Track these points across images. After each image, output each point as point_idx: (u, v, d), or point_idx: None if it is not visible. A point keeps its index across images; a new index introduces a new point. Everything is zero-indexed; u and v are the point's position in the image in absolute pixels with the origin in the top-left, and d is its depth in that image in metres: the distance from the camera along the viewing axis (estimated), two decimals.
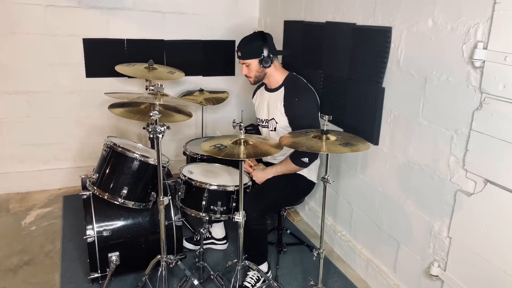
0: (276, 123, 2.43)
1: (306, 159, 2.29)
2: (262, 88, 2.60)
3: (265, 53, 2.32)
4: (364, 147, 1.87)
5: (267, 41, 2.34)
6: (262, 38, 2.35)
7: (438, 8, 1.81)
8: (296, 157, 2.31)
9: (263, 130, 2.57)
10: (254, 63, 2.35)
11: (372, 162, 2.35)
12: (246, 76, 2.43)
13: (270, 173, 2.40)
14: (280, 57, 2.60)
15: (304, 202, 3.05)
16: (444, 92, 1.82)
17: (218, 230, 2.68)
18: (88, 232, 2.13)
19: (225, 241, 2.70)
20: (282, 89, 2.42)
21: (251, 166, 2.49)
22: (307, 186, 2.48)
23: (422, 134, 1.98)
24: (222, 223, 2.68)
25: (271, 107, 2.46)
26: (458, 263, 1.85)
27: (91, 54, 3.27)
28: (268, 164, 2.54)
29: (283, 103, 2.37)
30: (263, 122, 2.54)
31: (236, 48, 2.40)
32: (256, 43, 2.34)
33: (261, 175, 2.41)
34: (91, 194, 2.22)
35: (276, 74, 2.43)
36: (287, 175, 2.39)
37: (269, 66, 2.36)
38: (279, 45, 3.03)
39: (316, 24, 2.72)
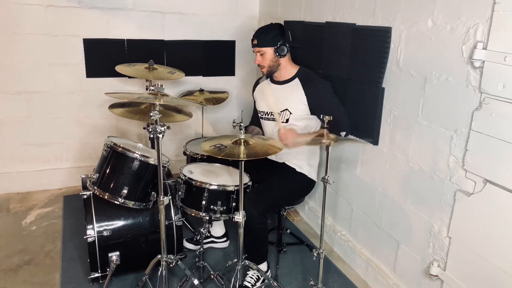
0: (290, 113, 2.39)
1: (343, 134, 2.27)
2: (266, 81, 2.57)
3: (282, 42, 2.36)
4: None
5: (284, 32, 2.39)
6: (280, 29, 2.40)
7: (437, 8, 1.81)
8: (336, 131, 2.13)
9: (266, 123, 2.53)
10: (269, 51, 2.37)
11: (372, 162, 2.36)
12: (259, 65, 2.43)
13: (303, 141, 2.25)
14: None
15: (304, 202, 3.05)
16: (443, 92, 1.82)
17: (217, 229, 2.69)
18: (88, 232, 2.14)
19: (225, 239, 2.70)
20: (297, 80, 2.41)
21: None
22: (308, 185, 2.49)
23: (421, 134, 1.98)
24: (222, 220, 2.68)
25: (283, 99, 2.43)
26: (458, 262, 1.85)
27: (91, 54, 3.27)
28: None
29: (304, 92, 2.35)
30: (267, 115, 2.51)
31: (252, 37, 2.41)
32: (273, 32, 2.37)
33: (294, 138, 2.24)
34: (91, 194, 2.22)
35: (289, 66, 2.45)
36: (287, 174, 2.40)
37: (285, 55, 2.38)
38: None
39: (316, 24, 2.72)
